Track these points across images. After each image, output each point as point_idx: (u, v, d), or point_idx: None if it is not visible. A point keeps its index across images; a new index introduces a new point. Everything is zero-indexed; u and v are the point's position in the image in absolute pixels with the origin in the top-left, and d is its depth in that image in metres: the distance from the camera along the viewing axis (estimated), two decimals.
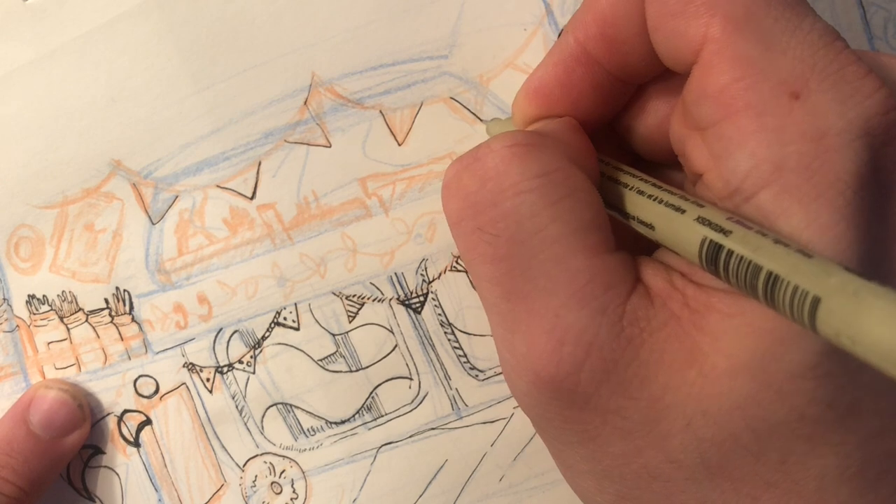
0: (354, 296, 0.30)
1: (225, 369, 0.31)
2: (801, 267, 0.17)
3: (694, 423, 0.20)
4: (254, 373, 0.31)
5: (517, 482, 0.30)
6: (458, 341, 0.30)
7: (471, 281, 0.30)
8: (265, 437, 0.31)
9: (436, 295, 0.30)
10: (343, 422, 0.31)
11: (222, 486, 0.31)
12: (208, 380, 0.31)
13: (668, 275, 0.21)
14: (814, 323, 0.17)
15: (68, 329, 0.31)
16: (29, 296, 0.32)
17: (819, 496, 0.20)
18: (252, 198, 0.30)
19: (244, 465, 0.31)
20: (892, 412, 0.20)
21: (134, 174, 0.31)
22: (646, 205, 0.22)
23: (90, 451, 0.32)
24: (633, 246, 0.23)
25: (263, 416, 0.31)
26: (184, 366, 0.31)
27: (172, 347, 0.31)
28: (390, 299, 0.30)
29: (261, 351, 0.31)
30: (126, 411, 0.32)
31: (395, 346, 0.30)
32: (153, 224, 0.31)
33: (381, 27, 0.29)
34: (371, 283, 0.30)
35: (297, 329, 0.31)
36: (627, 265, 0.22)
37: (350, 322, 0.30)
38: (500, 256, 0.21)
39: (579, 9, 0.23)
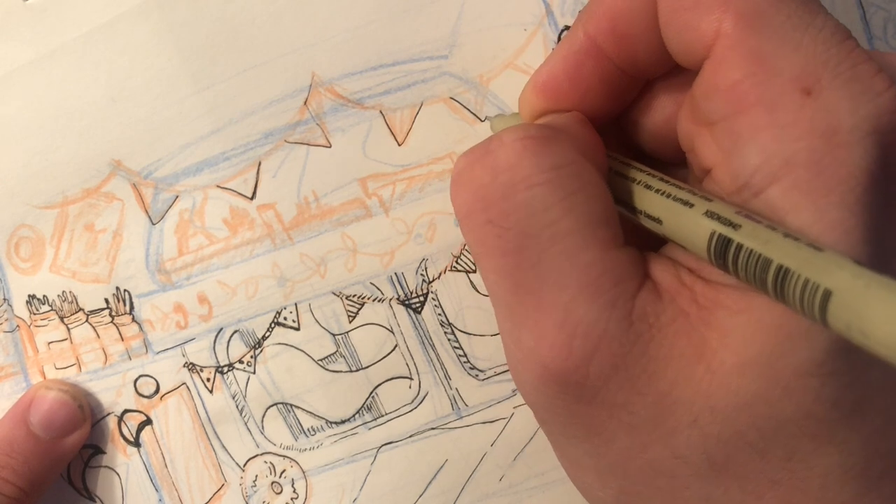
0: (354, 296, 0.30)
1: (225, 369, 0.31)
2: (811, 260, 0.17)
3: (700, 420, 0.20)
4: (254, 373, 0.31)
5: (517, 482, 0.30)
6: (458, 341, 0.30)
7: (471, 281, 0.30)
8: (265, 437, 0.31)
9: (436, 295, 0.30)
10: (343, 422, 0.31)
11: (223, 485, 0.31)
12: (209, 380, 0.31)
13: (677, 271, 0.21)
14: (825, 316, 0.17)
15: (69, 329, 0.32)
16: (29, 296, 0.32)
17: (823, 494, 0.20)
18: (252, 198, 0.30)
19: (244, 465, 0.31)
20: None
21: (134, 174, 0.31)
22: (654, 199, 0.22)
23: (90, 451, 0.32)
24: (640, 241, 0.23)
25: (264, 416, 0.31)
26: (184, 366, 0.31)
27: (173, 347, 0.31)
28: (390, 299, 0.30)
29: (261, 351, 0.31)
30: (126, 411, 0.32)
31: (396, 346, 0.30)
32: (153, 224, 0.31)
33: (381, 27, 0.29)
34: (371, 283, 0.30)
35: (298, 329, 0.31)
36: (636, 260, 0.22)
37: (350, 322, 0.30)
38: (511, 250, 0.21)
39: (590, 2, 0.23)
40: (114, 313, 0.31)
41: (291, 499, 0.31)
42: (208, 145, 0.30)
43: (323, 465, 0.31)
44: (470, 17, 0.29)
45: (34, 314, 0.32)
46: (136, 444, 0.32)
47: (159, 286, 0.31)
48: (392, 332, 0.30)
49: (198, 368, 0.31)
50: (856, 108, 0.19)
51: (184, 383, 0.31)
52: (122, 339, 0.31)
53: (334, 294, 0.30)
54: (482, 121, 0.29)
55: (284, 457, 0.31)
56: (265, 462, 0.31)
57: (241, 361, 0.31)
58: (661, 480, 0.21)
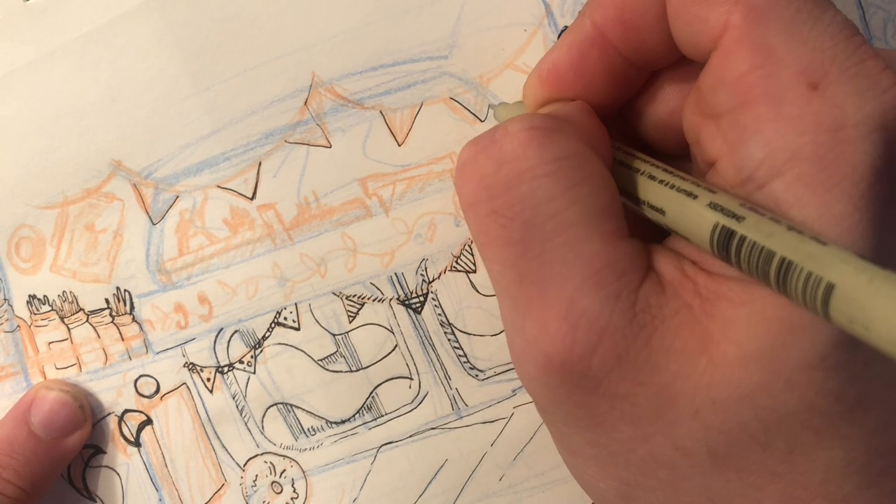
0: (355, 296, 0.30)
1: (225, 369, 0.31)
2: (815, 254, 0.17)
3: (702, 411, 0.20)
4: (254, 373, 0.31)
5: (517, 482, 0.30)
6: (458, 341, 0.30)
7: (470, 281, 0.30)
8: (265, 437, 0.31)
9: (436, 295, 0.30)
10: (343, 421, 0.31)
11: (223, 485, 0.31)
12: (209, 380, 0.31)
13: (680, 263, 0.21)
14: (827, 310, 0.17)
15: (69, 329, 0.32)
16: (30, 296, 0.32)
17: (824, 488, 0.20)
18: (252, 198, 0.30)
19: (245, 465, 0.31)
20: None
21: (134, 174, 0.31)
22: (657, 190, 0.22)
23: (91, 451, 0.32)
24: (644, 233, 0.23)
25: (264, 416, 0.31)
26: (184, 366, 0.31)
27: (173, 347, 0.31)
28: (390, 299, 0.30)
29: (261, 351, 0.31)
30: (127, 411, 0.32)
31: (396, 346, 0.30)
32: (154, 224, 0.31)
33: (381, 27, 0.29)
34: (371, 283, 0.30)
35: (298, 329, 0.31)
36: (640, 252, 0.22)
37: (350, 322, 0.30)
38: (515, 240, 0.21)
39: None
40: (114, 313, 0.31)
41: (291, 498, 0.31)
42: (208, 145, 0.30)
43: (323, 464, 0.31)
44: (470, 18, 0.29)
45: (35, 314, 0.32)
46: (137, 443, 0.32)
47: (160, 286, 0.31)
48: (392, 332, 0.30)
49: (198, 368, 0.31)
50: (862, 103, 0.19)
51: (184, 383, 0.31)
52: (123, 339, 0.31)
53: (334, 294, 0.30)
54: (482, 121, 0.29)
55: (284, 457, 0.31)
56: (265, 462, 0.31)
57: (241, 361, 0.31)
58: (662, 471, 0.21)
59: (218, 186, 0.30)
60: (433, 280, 0.30)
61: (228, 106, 0.30)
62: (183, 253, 0.31)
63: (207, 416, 0.31)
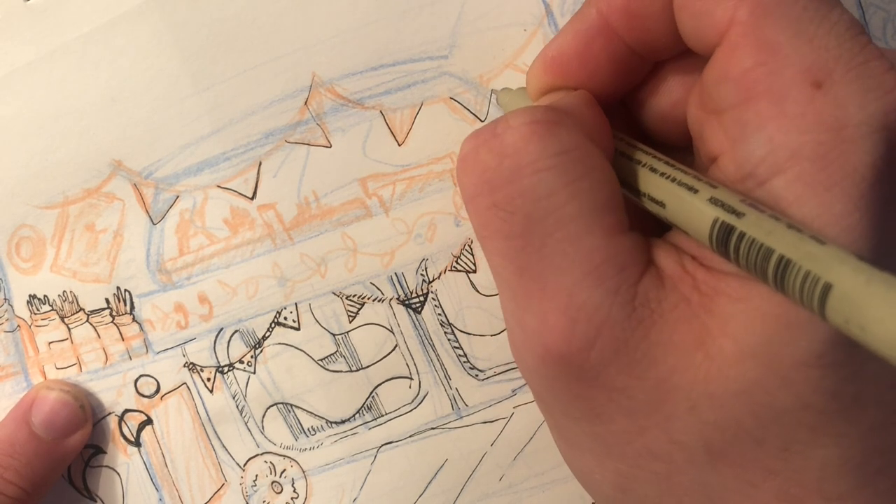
0: (355, 296, 0.30)
1: (225, 369, 0.31)
2: (813, 253, 0.17)
3: (699, 406, 0.20)
4: (254, 372, 0.31)
5: (517, 482, 0.30)
6: (458, 341, 0.30)
7: (470, 281, 0.30)
8: (266, 437, 0.31)
9: (436, 295, 0.30)
10: (343, 421, 0.31)
11: (223, 485, 0.31)
12: (209, 379, 0.31)
13: (680, 257, 0.21)
14: (823, 309, 0.17)
15: (69, 329, 0.32)
16: (30, 296, 0.32)
17: (819, 486, 0.20)
18: (252, 198, 0.30)
19: (245, 465, 0.31)
20: None
21: (135, 174, 0.31)
22: (658, 182, 0.22)
23: (91, 451, 0.32)
24: (645, 226, 0.23)
25: (264, 416, 0.31)
26: (184, 365, 0.31)
27: (173, 347, 0.31)
28: (390, 299, 0.30)
29: (261, 351, 0.31)
30: (127, 411, 0.32)
31: (396, 345, 0.30)
32: (154, 224, 0.31)
33: (381, 27, 0.29)
34: (371, 283, 0.30)
35: (298, 329, 0.31)
36: (641, 246, 0.22)
37: (350, 322, 0.30)
38: (515, 234, 0.21)
39: None
40: (114, 313, 0.31)
41: (291, 498, 0.31)
42: (209, 145, 0.30)
43: (323, 464, 0.31)
44: (470, 18, 0.29)
45: (35, 314, 0.32)
46: (137, 443, 0.32)
47: (160, 286, 0.31)
48: (392, 332, 0.30)
49: (198, 368, 0.31)
50: (865, 103, 0.19)
51: (184, 383, 0.31)
52: (123, 339, 0.31)
53: (334, 294, 0.30)
54: (482, 121, 0.29)
55: (284, 456, 0.31)
56: (265, 462, 0.31)
57: (241, 361, 0.31)
58: (657, 465, 0.21)
59: (218, 186, 0.30)
60: (433, 280, 0.30)
61: (228, 106, 0.30)
62: (183, 253, 0.31)
63: (207, 415, 0.31)
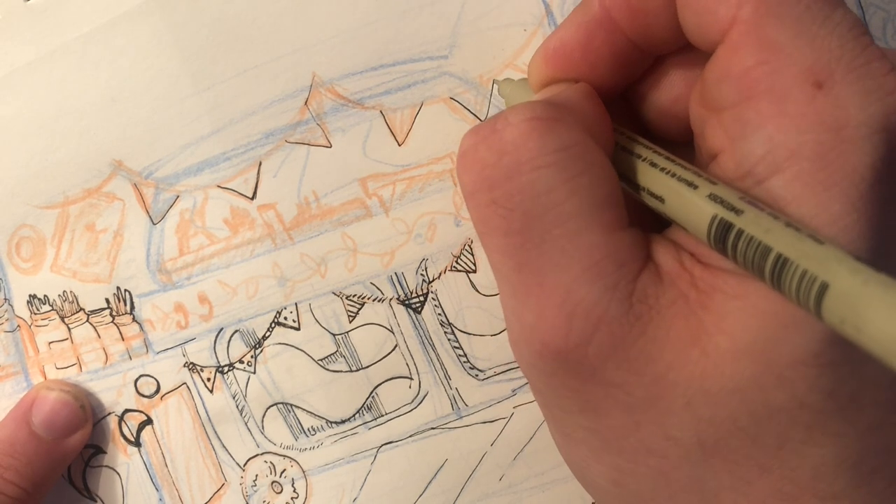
0: (355, 296, 0.30)
1: (225, 369, 0.31)
2: (810, 252, 0.17)
3: (694, 403, 0.20)
4: (254, 372, 0.31)
5: (517, 482, 0.30)
6: (458, 341, 0.30)
7: (470, 281, 0.30)
8: (266, 437, 0.31)
9: (436, 295, 0.30)
10: (343, 421, 0.31)
11: (223, 485, 0.31)
12: (209, 379, 0.31)
13: (678, 254, 0.21)
14: (819, 309, 0.17)
15: (69, 329, 0.32)
16: (30, 296, 0.32)
17: (814, 485, 0.20)
18: (253, 198, 0.30)
19: (245, 465, 0.31)
20: (893, 406, 0.20)
21: (135, 174, 0.31)
22: (658, 177, 0.22)
23: (91, 451, 0.32)
24: (644, 221, 0.23)
25: (264, 416, 0.31)
26: (184, 365, 0.31)
27: (173, 347, 0.31)
28: (390, 299, 0.30)
29: (261, 351, 0.31)
30: (127, 411, 0.32)
31: (396, 345, 0.30)
32: (154, 224, 0.31)
33: (381, 27, 0.29)
34: (371, 283, 0.30)
35: (298, 329, 0.31)
36: (639, 243, 0.22)
37: (350, 322, 0.30)
38: (514, 230, 0.21)
39: None
40: (114, 313, 0.31)
41: (292, 498, 0.31)
42: (209, 145, 0.30)
43: (323, 464, 0.31)
44: (470, 18, 0.29)
45: (35, 314, 0.32)
46: (137, 443, 0.32)
47: (160, 286, 0.31)
48: (392, 332, 0.30)
49: (198, 368, 0.31)
50: (866, 104, 0.19)
51: (184, 383, 0.31)
52: (123, 339, 0.31)
53: (334, 294, 0.30)
54: (482, 121, 0.29)
55: (285, 456, 0.31)
56: (265, 462, 0.31)
57: (241, 361, 0.31)
58: (653, 460, 0.21)
59: (218, 186, 0.30)
60: (433, 280, 0.30)
61: (228, 106, 0.30)
62: (183, 253, 0.31)
63: (207, 415, 0.31)
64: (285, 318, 0.31)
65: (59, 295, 0.32)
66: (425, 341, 0.30)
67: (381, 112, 0.30)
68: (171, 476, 0.31)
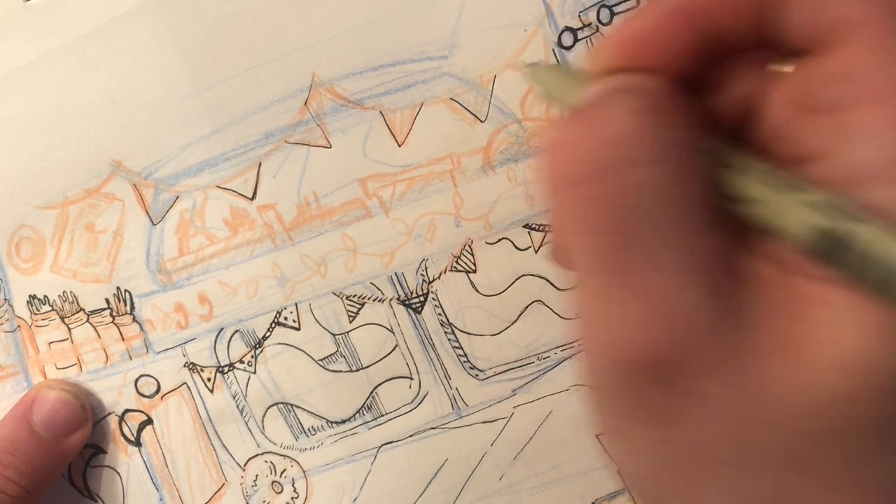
0: (355, 296, 0.30)
1: (226, 369, 0.31)
2: None
3: (789, 415, 0.19)
4: (254, 372, 0.31)
5: (517, 481, 0.30)
6: (458, 341, 0.30)
7: (470, 281, 0.30)
8: (266, 437, 0.31)
9: (436, 295, 0.30)
10: (343, 421, 0.31)
11: (223, 485, 0.31)
12: (209, 379, 0.31)
13: (773, 261, 0.21)
14: None
15: (69, 329, 0.32)
16: (30, 296, 0.32)
17: None
18: (252, 198, 0.30)
19: (245, 465, 0.31)
20: None
21: (134, 175, 0.31)
22: (750, 183, 0.21)
23: (91, 451, 0.32)
24: (732, 227, 0.22)
25: (264, 416, 0.31)
26: (185, 365, 0.31)
27: (173, 347, 0.31)
28: (390, 299, 0.30)
29: (261, 351, 0.31)
30: (127, 411, 0.32)
31: (396, 345, 0.30)
32: (154, 224, 0.31)
33: (381, 27, 0.29)
34: (371, 283, 0.30)
35: (298, 329, 0.31)
36: (734, 248, 0.21)
37: (350, 322, 0.31)
38: (613, 228, 0.20)
39: None
40: (114, 313, 0.31)
41: (292, 498, 0.31)
42: (208, 146, 0.30)
43: (323, 464, 0.31)
44: (470, 18, 0.29)
45: (35, 314, 0.32)
46: (137, 443, 0.32)
47: (160, 286, 0.31)
48: (392, 332, 0.30)
49: (198, 368, 0.31)
50: None
51: (184, 383, 0.31)
52: (123, 339, 0.31)
53: (334, 294, 0.30)
54: (482, 121, 0.29)
55: (285, 456, 0.31)
56: (265, 461, 0.31)
57: (241, 361, 0.31)
58: (730, 471, 0.21)
59: (218, 187, 0.30)
60: (433, 280, 0.30)
61: (228, 106, 0.30)
62: (183, 253, 0.31)
63: (208, 415, 0.31)
64: (285, 319, 0.31)
65: (59, 295, 0.32)
66: (425, 341, 0.30)
67: (380, 112, 0.30)
68: (172, 476, 0.32)
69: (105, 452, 0.32)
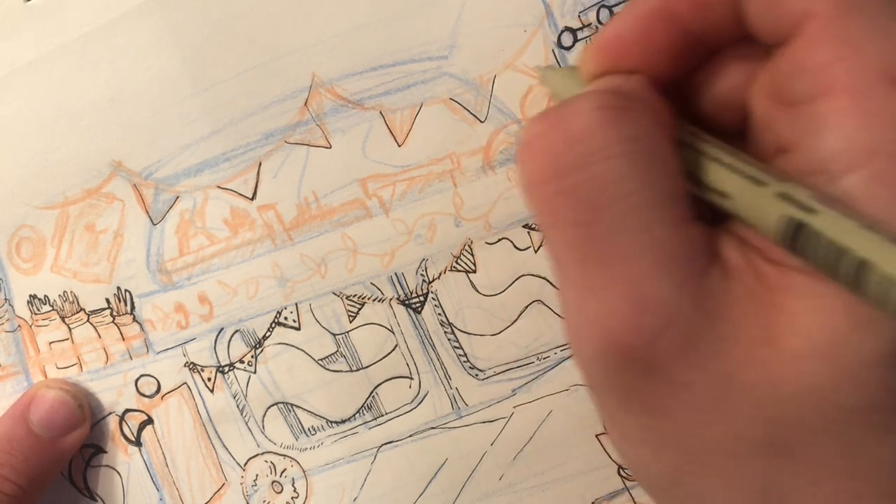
0: (355, 296, 0.30)
1: (226, 369, 0.31)
2: (891, 256, 0.17)
3: (764, 402, 0.20)
4: (255, 372, 0.31)
5: (517, 481, 0.30)
6: (458, 341, 0.30)
7: (470, 281, 0.30)
8: (266, 437, 0.31)
9: (436, 295, 0.30)
10: (343, 421, 0.31)
11: (223, 485, 0.31)
12: (209, 379, 0.31)
13: (744, 250, 0.21)
14: None
15: (70, 329, 0.32)
16: (30, 296, 0.32)
17: (884, 486, 0.20)
18: (252, 198, 0.30)
19: (245, 465, 0.31)
20: None
21: (135, 175, 0.31)
22: (723, 174, 0.21)
23: (91, 451, 0.32)
24: (706, 216, 0.23)
25: (264, 416, 0.31)
26: (185, 365, 0.31)
27: (174, 347, 0.31)
28: (390, 299, 0.30)
29: (262, 350, 0.31)
30: (127, 411, 0.32)
31: (396, 345, 0.30)
32: (154, 224, 0.31)
33: (381, 27, 0.29)
34: (371, 283, 0.30)
35: (298, 329, 0.31)
36: (706, 237, 0.21)
37: (350, 322, 0.31)
38: (582, 221, 0.21)
39: None
40: (115, 313, 0.31)
41: (292, 498, 0.31)
42: (208, 146, 0.30)
43: (323, 464, 0.31)
44: (470, 18, 0.29)
45: (35, 314, 0.32)
46: (137, 443, 0.32)
47: (160, 286, 0.31)
48: (392, 331, 0.30)
49: (199, 368, 0.31)
50: None
51: (185, 383, 0.31)
52: (124, 339, 0.31)
53: (335, 294, 0.31)
54: (482, 122, 0.29)
55: (285, 456, 0.31)
56: (266, 461, 0.31)
57: (241, 361, 0.31)
58: (717, 459, 0.21)
59: (218, 187, 0.30)
60: (433, 280, 0.30)
61: (228, 106, 0.30)
62: (183, 253, 0.31)
63: (208, 415, 0.31)
64: (285, 318, 0.31)
65: (60, 295, 0.32)
66: (425, 341, 0.30)
67: (380, 112, 0.30)
68: (172, 476, 0.32)
69: (105, 452, 0.32)
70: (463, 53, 0.29)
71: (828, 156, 0.19)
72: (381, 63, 0.30)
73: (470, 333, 0.30)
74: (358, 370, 0.31)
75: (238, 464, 0.31)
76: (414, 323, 0.30)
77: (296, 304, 0.31)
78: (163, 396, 0.31)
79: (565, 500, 0.30)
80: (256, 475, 0.31)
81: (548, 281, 0.30)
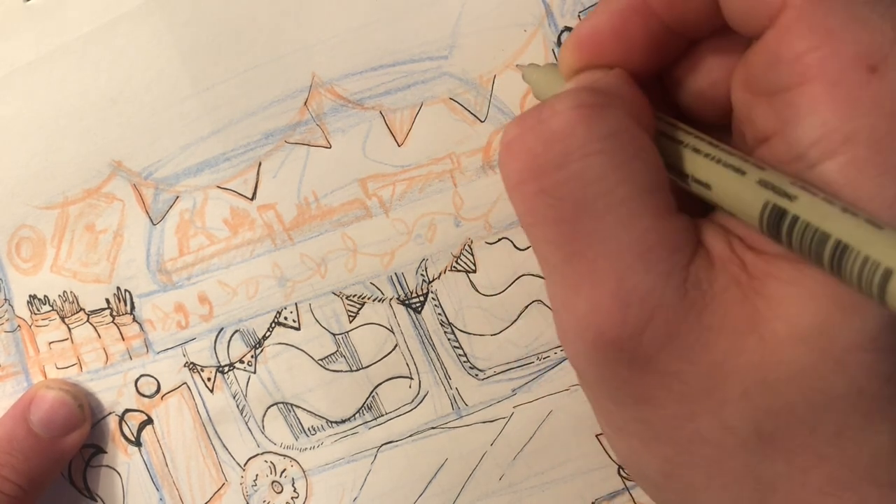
0: (355, 296, 0.30)
1: (226, 369, 0.31)
2: (871, 238, 0.17)
3: (751, 391, 0.20)
4: (254, 372, 0.31)
5: (517, 481, 0.30)
6: (458, 341, 0.30)
7: (470, 281, 0.30)
8: (266, 437, 0.31)
9: (436, 295, 0.30)
10: (343, 421, 0.31)
11: (223, 485, 0.31)
12: (209, 379, 0.31)
13: (728, 239, 0.21)
14: (883, 295, 0.17)
15: (69, 329, 0.32)
16: (30, 296, 0.32)
17: (872, 472, 0.20)
18: (252, 198, 0.30)
19: (245, 465, 0.31)
20: None
21: (134, 175, 0.31)
22: (704, 164, 0.21)
23: (91, 451, 0.32)
24: (689, 207, 0.23)
25: (264, 416, 0.31)
26: (185, 365, 0.31)
27: (173, 347, 0.31)
28: (390, 299, 0.30)
29: (261, 350, 0.31)
30: (127, 411, 0.32)
31: (396, 345, 0.30)
32: (154, 224, 0.31)
33: (381, 27, 0.29)
34: (371, 283, 0.30)
35: (298, 329, 0.31)
36: (689, 228, 0.21)
37: (350, 322, 0.31)
38: (564, 219, 0.21)
39: None
40: (115, 313, 0.31)
41: (292, 498, 0.31)
42: (208, 146, 0.30)
43: (323, 464, 0.31)
44: (470, 18, 0.29)
45: (35, 314, 0.32)
46: (137, 443, 0.32)
47: (160, 286, 0.31)
48: (392, 331, 0.30)
49: (198, 368, 0.31)
50: None
51: (184, 383, 0.31)
52: (123, 339, 0.31)
53: (334, 294, 0.31)
54: (482, 122, 0.29)
55: (285, 456, 0.31)
56: (266, 461, 0.31)
57: (241, 361, 0.31)
58: (707, 449, 0.21)
59: (218, 187, 0.30)
60: (433, 280, 0.30)
61: (228, 106, 0.30)
62: (183, 253, 0.31)
63: (208, 415, 0.31)
64: (285, 318, 0.31)
65: (60, 295, 0.32)
66: (425, 341, 0.30)
67: (380, 112, 0.30)
68: (172, 476, 0.32)
69: (105, 452, 0.32)
70: (463, 53, 0.29)
71: (806, 143, 0.19)
72: (381, 63, 0.30)
73: (470, 333, 0.30)
74: (358, 370, 0.31)
75: (238, 464, 0.31)
76: (414, 323, 0.30)
77: (296, 304, 0.31)
78: (163, 396, 0.31)
79: (565, 500, 0.30)
80: (256, 475, 0.31)
81: None
